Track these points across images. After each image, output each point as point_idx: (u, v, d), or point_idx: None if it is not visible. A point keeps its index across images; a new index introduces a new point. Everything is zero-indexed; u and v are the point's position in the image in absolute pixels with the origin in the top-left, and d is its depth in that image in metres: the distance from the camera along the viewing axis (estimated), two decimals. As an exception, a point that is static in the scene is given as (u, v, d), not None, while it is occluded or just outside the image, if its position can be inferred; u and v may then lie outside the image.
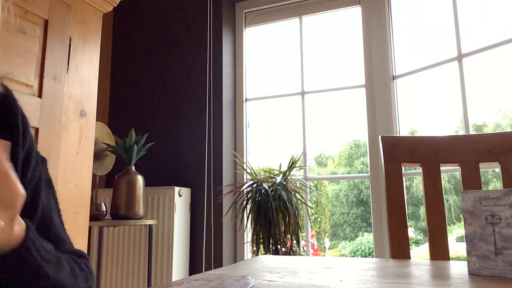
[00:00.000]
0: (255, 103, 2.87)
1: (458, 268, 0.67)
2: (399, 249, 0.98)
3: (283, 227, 2.18)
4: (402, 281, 0.56)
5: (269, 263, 0.76)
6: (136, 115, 2.90)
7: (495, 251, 0.58)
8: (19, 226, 0.42)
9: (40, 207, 0.55)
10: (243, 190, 2.29)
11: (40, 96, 1.36)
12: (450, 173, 3.86)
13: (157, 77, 2.88)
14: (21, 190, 0.39)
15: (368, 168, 2.46)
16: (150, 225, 2.24)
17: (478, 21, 2.60)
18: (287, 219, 2.17)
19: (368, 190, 5.84)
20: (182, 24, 2.87)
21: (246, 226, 2.48)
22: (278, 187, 2.20)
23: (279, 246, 2.18)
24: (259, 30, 2.98)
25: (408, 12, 2.63)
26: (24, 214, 0.51)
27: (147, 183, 2.28)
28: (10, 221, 0.39)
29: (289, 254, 2.16)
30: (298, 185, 2.32)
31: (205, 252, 2.51)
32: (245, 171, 2.53)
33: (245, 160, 2.72)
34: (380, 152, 1.13)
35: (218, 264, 2.50)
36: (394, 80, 2.47)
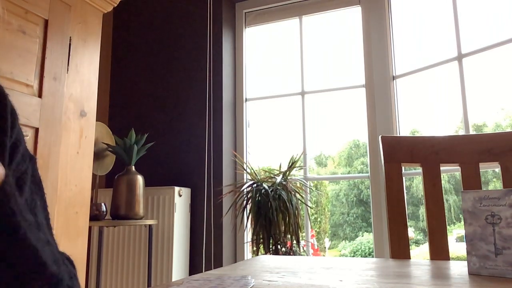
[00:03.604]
0: (255, 103, 2.87)
1: (458, 268, 0.67)
2: (399, 249, 0.98)
3: (283, 227, 2.18)
4: (402, 281, 0.56)
5: (269, 263, 0.76)
6: (136, 115, 2.90)
7: (495, 251, 0.58)
8: None
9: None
10: (243, 190, 2.29)
11: (40, 96, 1.36)
12: (450, 173, 3.86)
13: (157, 77, 2.88)
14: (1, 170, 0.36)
15: (368, 168, 2.46)
16: (150, 225, 2.24)
17: (478, 21, 2.60)
18: (287, 219, 2.17)
19: (368, 190, 5.84)
20: (182, 24, 2.87)
21: (246, 226, 2.48)
22: (278, 187, 2.20)
23: (279, 246, 2.18)
24: (259, 30, 2.98)
25: (408, 12, 2.63)
26: None
27: (147, 183, 2.28)
28: None
29: (289, 254, 2.16)
30: (298, 185, 2.32)
31: (205, 252, 2.51)
32: (245, 171, 2.53)
33: (245, 160, 2.72)
34: (380, 152, 1.13)
35: (218, 264, 2.50)
36: (394, 80, 2.47)
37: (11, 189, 0.37)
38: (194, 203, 2.60)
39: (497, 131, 2.49)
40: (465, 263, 0.64)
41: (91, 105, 1.57)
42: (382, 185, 2.31)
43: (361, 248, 9.14)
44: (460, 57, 2.17)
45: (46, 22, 1.40)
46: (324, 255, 8.89)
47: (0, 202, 0.36)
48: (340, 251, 9.87)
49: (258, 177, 2.33)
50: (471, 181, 1.01)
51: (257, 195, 2.21)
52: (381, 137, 1.08)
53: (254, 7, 2.87)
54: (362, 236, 9.92)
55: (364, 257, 8.21)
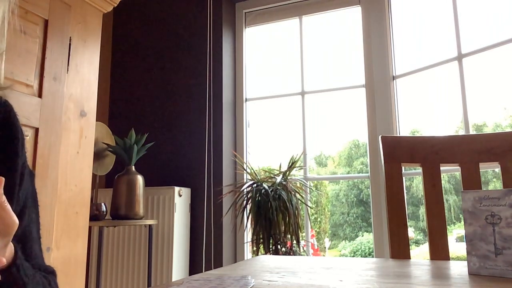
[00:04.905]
0: (255, 103, 2.87)
1: (458, 268, 0.67)
2: (399, 249, 0.98)
3: (283, 227, 2.18)
4: (402, 281, 0.56)
5: (269, 263, 0.76)
6: (136, 115, 2.90)
7: (495, 251, 0.58)
8: (10, 249, 0.46)
9: (24, 222, 0.58)
10: (243, 190, 2.29)
11: (40, 96, 1.36)
12: (450, 173, 3.86)
13: (157, 77, 2.88)
14: (16, 220, 0.42)
15: (368, 168, 2.46)
16: (150, 225, 2.24)
17: (478, 21, 2.60)
18: (287, 219, 2.16)
19: (368, 190, 5.84)
20: (182, 24, 2.87)
21: (246, 226, 2.48)
22: (278, 187, 2.20)
23: (279, 246, 2.18)
24: (259, 30, 2.98)
25: (408, 12, 2.63)
26: None
27: (147, 183, 2.28)
28: (4, 247, 0.43)
29: (289, 254, 2.16)
30: (298, 185, 2.32)
31: (205, 252, 2.51)
32: (245, 171, 2.53)
33: (245, 160, 2.72)
34: (380, 152, 1.12)
35: (218, 264, 2.50)
36: (394, 80, 2.47)
37: (21, 262, 0.48)
38: (194, 203, 2.60)
39: (497, 131, 2.49)
40: (465, 263, 0.64)
41: (91, 105, 1.57)
42: (382, 185, 2.31)
43: (361, 248, 9.14)
44: (460, 57, 2.17)
45: (46, 22, 1.40)
46: (324, 255, 8.89)
47: (15, 276, 0.47)
48: (340, 251, 9.87)
49: (258, 177, 2.33)
50: (471, 181, 1.01)
51: (257, 195, 2.21)
52: (381, 137, 1.08)
53: (254, 7, 2.87)
54: (362, 236, 9.91)
55: (364, 257, 8.20)
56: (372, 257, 2.84)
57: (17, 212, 0.56)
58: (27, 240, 0.58)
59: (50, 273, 0.61)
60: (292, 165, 2.32)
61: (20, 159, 0.57)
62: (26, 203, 0.58)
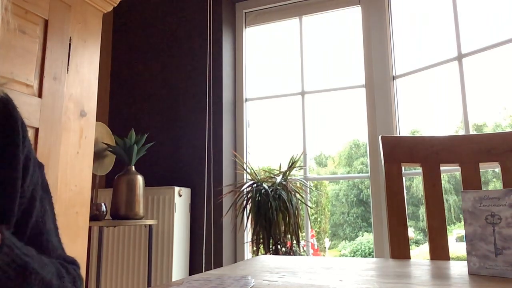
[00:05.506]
0: (255, 103, 2.87)
1: (458, 268, 0.67)
2: (399, 249, 0.98)
3: (283, 227, 2.18)
4: (402, 281, 0.56)
5: (269, 263, 0.76)
6: (136, 115, 2.90)
7: (495, 251, 0.58)
8: None
9: (35, 213, 0.56)
10: (243, 190, 2.29)
11: (40, 96, 1.36)
12: (450, 173, 3.86)
13: (157, 77, 2.88)
14: None
15: (368, 168, 2.46)
16: (150, 225, 2.24)
17: (478, 21, 2.60)
18: (287, 219, 2.16)
19: (368, 190, 5.84)
20: (182, 24, 2.87)
21: (246, 226, 2.48)
22: (278, 187, 2.20)
23: (279, 246, 2.18)
24: (259, 30, 2.98)
25: (408, 12, 2.63)
26: (20, 220, 0.54)
27: (147, 183, 2.28)
28: None
29: (289, 254, 2.16)
30: (298, 185, 2.32)
31: (205, 252, 2.51)
32: (245, 171, 2.53)
33: (245, 160, 2.72)
34: (380, 152, 1.12)
35: (218, 264, 2.50)
36: (394, 80, 2.47)
37: (11, 241, 0.45)
38: (194, 203, 2.60)
39: (497, 131, 2.49)
40: (465, 263, 0.64)
41: (91, 105, 1.57)
42: (382, 185, 2.31)
43: (361, 248, 9.14)
44: (460, 57, 2.17)
45: (46, 22, 1.40)
46: (324, 255, 8.89)
47: (10, 256, 0.44)
48: (340, 251, 9.87)
49: (258, 177, 2.33)
50: (471, 181, 1.01)
51: (257, 195, 2.21)
52: (381, 137, 1.08)
53: (254, 7, 2.87)
54: (362, 236, 9.92)
55: (364, 257, 8.20)
56: (372, 257, 2.84)
57: (24, 205, 0.55)
58: (41, 232, 0.57)
59: (70, 262, 0.59)
60: (292, 165, 2.32)
61: (22, 152, 0.55)
62: (34, 196, 0.57)
